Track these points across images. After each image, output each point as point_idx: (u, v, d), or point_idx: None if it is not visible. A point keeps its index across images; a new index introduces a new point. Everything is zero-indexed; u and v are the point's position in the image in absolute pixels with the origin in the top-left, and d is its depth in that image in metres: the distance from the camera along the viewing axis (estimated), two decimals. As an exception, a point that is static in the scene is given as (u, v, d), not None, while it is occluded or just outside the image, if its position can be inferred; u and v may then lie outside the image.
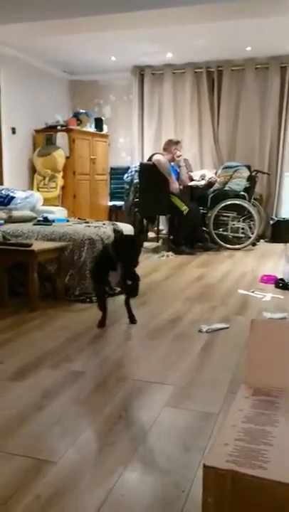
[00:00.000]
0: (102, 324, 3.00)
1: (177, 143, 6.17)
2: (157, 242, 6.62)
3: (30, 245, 3.45)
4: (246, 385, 1.40)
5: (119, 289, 3.85)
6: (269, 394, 1.31)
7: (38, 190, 6.41)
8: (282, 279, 4.14)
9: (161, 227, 6.69)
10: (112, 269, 2.89)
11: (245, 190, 6.33)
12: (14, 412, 1.92)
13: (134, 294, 2.94)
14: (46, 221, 4.34)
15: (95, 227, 4.12)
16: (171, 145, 6.15)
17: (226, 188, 6.37)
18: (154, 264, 5.19)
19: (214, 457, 1.04)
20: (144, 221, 6.55)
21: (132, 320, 3.08)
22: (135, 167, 6.67)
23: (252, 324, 1.44)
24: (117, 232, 2.95)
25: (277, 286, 4.11)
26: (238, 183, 6.34)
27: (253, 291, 3.96)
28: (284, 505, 0.93)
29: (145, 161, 6.49)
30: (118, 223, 4.52)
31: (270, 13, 4.59)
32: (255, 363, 1.40)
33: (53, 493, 1.43)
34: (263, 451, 1.04)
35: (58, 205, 6.28)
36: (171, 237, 6.24)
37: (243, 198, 6.24)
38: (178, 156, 6.16)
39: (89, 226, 4.18)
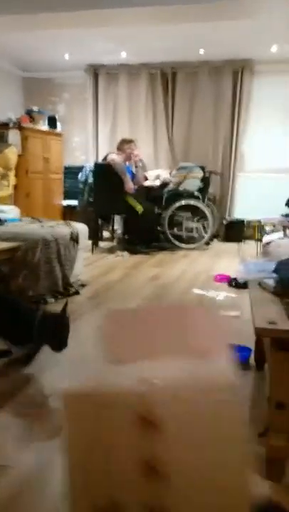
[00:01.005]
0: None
1: (130, 142, 6.17)
2: (112, 241, 6.60)
3: (-19, 245, 3.35)
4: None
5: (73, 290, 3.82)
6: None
7: (-10, 189, 6.24)
8: (235, 279, 4.22)
9: (116, 227, 6.68)
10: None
11: (199, 190, 6.41)
12: None
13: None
14: (-2, 220, 4.23)
15: (49, 226, 4.06)
16: (124, 144, 6.15)
17: (181, 189, 6.43)
18: (110, 264, 5.17)
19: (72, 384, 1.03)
20: (99, 221, 6.51)
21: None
22: (90, 166, 6.63)
23: (105, 314, 1.43)
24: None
25: (230, 285, 4.19)
26: (192, 184, 6.42)
27: (207, 291, 4.01)
28: None
29: (100, 160, 6.45)
30: (72, 222, 4.47)
31: (223, 16, 4.67)
32: (109, 345, 1.39)
33: (9, 497, 1.39)
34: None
35: (10, 204, 6.13)
36: (126, 236, 6.24)
37: (197, 198, 6.32)
38: (135, 156, 6.16)
39: (43, 226, 4.10)
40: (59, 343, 2.22)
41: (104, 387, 0.99)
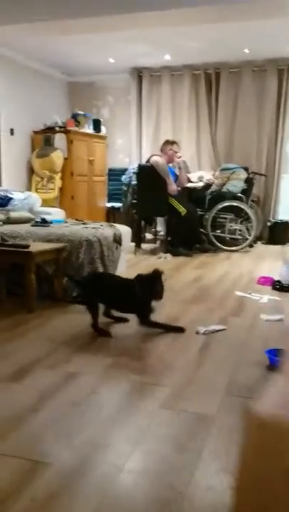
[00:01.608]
0: (95, 327, 2.95)
1: (173, 143, 6.18)
2: (155, 243, 6.62)
3: (27, 246, 3.45)
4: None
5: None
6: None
7: (36, 192, 6.41)
8: (278, 281, 4.15)
9: (158, 229, 6.70)
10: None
11: (243, 191, 6.34)
12: (10, 414, 1.92)
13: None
14: (44, 222, 4.34)
15: (93, 228, 4.12)
16: (167, 145, 6.17)
17: (224, 190, 6.37)
18: (152, 266, 5.17)
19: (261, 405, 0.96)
20: (142, 222, 6.55)
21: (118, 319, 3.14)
22: (133, 168, 6.68)
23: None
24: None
25: (274, 288, 4.12)
26: (236, 185, 6.35)
27: (250, 293, 3.96)
28: None
29: (143, 162, 6.49)
30: (115, 224, 4.52)
31: (267, 15, 4.60)
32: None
33: (48, 495, 1.43)
34: None
35: (55, 207, 6.28)
36: (169, 238, 6.24)
37: (241, 199, 6.25)
38: (178, 158, 6.15)
39: (86, 227, 4.18)
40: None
41: None
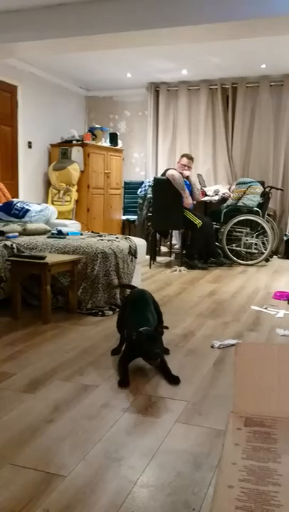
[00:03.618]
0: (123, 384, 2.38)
1: (182, 156, 6.23)
2: (170, 256, 6.62)
3: (43, 258, 3.47)
4: (236, 414, 1.33)
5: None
6: (262, 424, 1.25)
7: (53, 204, 6.48)
8: (295, 296, 4.11)
9: (174, 242, 6.70)
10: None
11: (259, 205, 6.32)
12: (25, 425, 1.92)
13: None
14: (60, 234, 4.37)
15: (108, 240, 4.14)
16: (180, 158, 6.24)
17: (240, 204, 6.37)
18: (167, 279, 5.18)
19: (222, 504, 0.95)
20: (157, 235, 6.57)
21: (172, 381, 2.43)
22: (149, 182, 6.72)
23: (237, 348, 1.37)
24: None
25: (290, 302, 4.08)
26: (252, 199, 6.34)
27: (265, 308, 3.93)
28: None
29: (159, 175, 6.53)
30: (131, 237, 4.54)
31: (284, 31, 4.62)
32: (244, 390, 1.34)
33: (62, 508, 1.42)
34: (273, 493, 0.98)
35: (71, 219, 6.33)
36: (184, 251, 6.24)
37: (257, 213, 6.23)
38: (186, 174, 6.10)
39: (102, 239, 4.20)
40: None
41: None
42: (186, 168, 6.18)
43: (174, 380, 2.40)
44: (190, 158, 6.28)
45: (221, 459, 1.13)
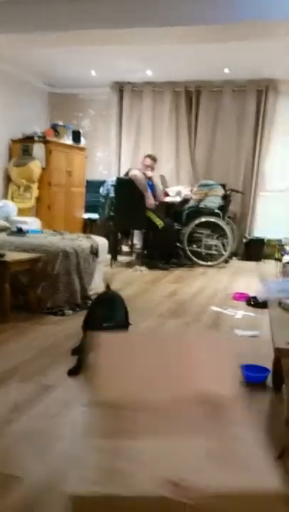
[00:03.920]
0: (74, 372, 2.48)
1: (147, 156, 6.29)
2: (131, 256, 6.62)
3: (2, 255, 3.40)
4: (93, 398, 1.37)
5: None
6: (117, 406, 1.28)
7: (13, 201, 6.35)
8: (254, 297, 4.19)
9: (135, 242, 6.71)
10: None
11: (220, 208, 6.42)
12: (-18, 426, 1.87)
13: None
14: (20, 232, 4.29)
15: (70, 239, 4.10)
16: (144, 158, 6.29)
17: (201, 206, 6.44)
18: (128, 279, 5.18)
19: (77, 483, 0.96)
20: (119, 235, 6.55)
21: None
22: (112, 181, 6.69)
23: (100, 340, 1.41)
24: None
25: (249, 303, 4.16)
26: (213, 201, 6.43)
27: (225, 308, 3.99)
28: None
29: (122, 175, 6.52)
30: (92, 236, 4.51)
31: (247, 37, 4.71)
32: (101, 376, 1.37)
33: (19, 510, 1.40)
34: (125, 470, 0.98)
35: (32, 216, 6.23)
36: (146, 251, 6.25)
37: (218, 215, 6.32)
38: (148, 175, 6.14)
39: (63, 238, 4.15)
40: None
41: (116, 491, 0.89)
42: (149, 168, 6.20)
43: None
44: (153, 159, 6.31)
45: (80, 439, 1.14)
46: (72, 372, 2.45)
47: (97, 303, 2.83)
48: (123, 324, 2.69)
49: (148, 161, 6.22)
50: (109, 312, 2.67)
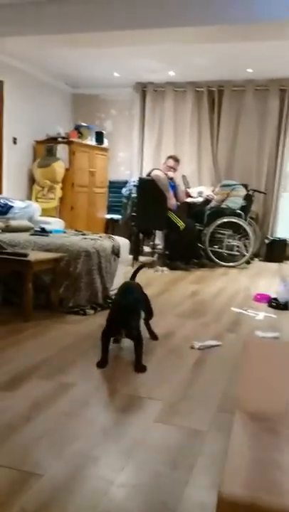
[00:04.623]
0: (102, 364, 2.59)
1: (169, 158, 6.30)
2: (152, 256, 6.64)
3: (26, 255, 3.46)
4: (242, 410, 1.36)
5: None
6: (268, 419, 1.28)
7: (37, 201, 6.44)
8: (275, 299, 4.16)
9: (156, 242, 6.72)
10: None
11: (242, 208, 6.38)
12: (3, 423, 1.91)
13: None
14: (43, 232, 4.35)
15: (92, 239, 4.14)
16: (166, 159, 6.30)
17: (223, 206, 6.42)
18: (149, 279, 5.19)
19: (229, 485, 0.99)
20: (140, 235, 6.57)
21: (138, 369, 2.56)
22: (134, 181, 6.72)
23: (245, 345, 1.41)
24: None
25: (270, 305, 4.13)
26: (235, 201, 6.39)
27: (246, 310, 3.97)
28: None
29: (144, 175, 6.54)
30: (114, 236, 4.54)
31: (271, 37, 4.67)
32: (249, 387, 1.36)
33: (38, 506, 1.43)
34: (279, 483, 1.00)
35: (55, 216, 6.30)
36: (167, 252, 6.26)
37: (240, 216, 6.29)
38: (170, 175, 6.15)
39: (85, 238, 4.19)
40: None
41: (267, 499, 0.92)
42: (172, 169, 6.21)
43: (140, 369, 2.54)
44: (176, 160, 6.31)
45: (228, 452, 1.15)
46: (101, 365, 2.57)
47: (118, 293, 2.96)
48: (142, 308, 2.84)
49: (171, 162, 6.23)
50: (126, 296, 2.77)
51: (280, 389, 1.34)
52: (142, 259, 6.39)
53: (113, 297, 3.35)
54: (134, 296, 2.78)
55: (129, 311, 2.60)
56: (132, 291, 2.85)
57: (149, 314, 3.07)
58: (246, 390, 1.37)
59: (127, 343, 2.84)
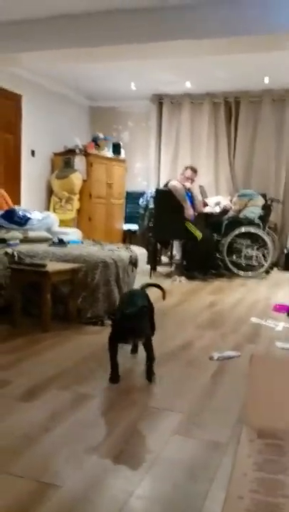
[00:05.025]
0: (114, 380, 2.51)
1: (186, 168, 6.30)
2: (170, 267, 6.62)
3: (44, 266, 3.48)
4: (248, 425, 1.33)
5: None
6: (274, 436, 1.25)
7: (55, 212, 6.49)
8: (295, 309, 4.10)
9: (174, 252, 6.71)
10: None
11: (260, 218, 6.34)
12: (21, 433, 1.91)
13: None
14: (61, 242, 4.38)
15: (109, 250, 4.15)
16: (183, 169, 6.30)
17: (241, 216, 6.38)
18: (167, 289, 5.16)
19: (234, 510, 0.98)
20: (158, 246, 6.57)
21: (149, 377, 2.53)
22: (151, 192, 6.74)
23: (252, 360, 1.38)
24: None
25: (290, 315, 4.08)
26: (253, 211, 6.35)
27: (265, 320, 3.92)
28: None
29: (161, 186, 6.55)
30: (132, 247, 4.54)
31: (287, 46, 4.66)
32: (257, 402, 1.34)
33: (57, 517, 1.42)
34: (281, 505, 0.98)
35: (73, 227, 6.34)
36: (184, 262, 6.24)
37: (258, 226, 6.24)
38: (188, 186, 6.16)
39: (103, 249, 4.21)
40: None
41: None
42: (190, 180, 6.21)
43: (150, 377, 2.48)
44: (194, 171, 6.32)
45: (232, 470, 1.13)
46: (114, 380, 2.49)
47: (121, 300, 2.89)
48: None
49: (189, 173, 6.23)
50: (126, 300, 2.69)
51: (287, 405, 1.30)
52: (159, 269, 6.39)
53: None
54: (141, 302, 2.62)
55: (137, 316, 2.44)
56: (138, 298, 2.71)
57: (152, 329, 2.76)
58: (254, 406, 1.34)
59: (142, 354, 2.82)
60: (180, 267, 6.27)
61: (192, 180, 6.27)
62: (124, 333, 2.47)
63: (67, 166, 6.81)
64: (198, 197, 6.49)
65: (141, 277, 4.56)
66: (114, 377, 2.49)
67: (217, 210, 6.63)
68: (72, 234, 5.43)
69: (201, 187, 6.95)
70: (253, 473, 1.10)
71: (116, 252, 4.08)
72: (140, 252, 4.44)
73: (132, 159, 7.91)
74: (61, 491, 1.54)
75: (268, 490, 1.03)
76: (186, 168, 6.35)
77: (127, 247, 4.47)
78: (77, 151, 6.87)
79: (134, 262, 4.20)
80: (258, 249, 6.29)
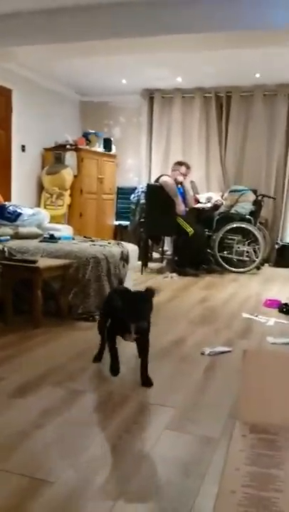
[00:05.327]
0: (114, 371, 2.48)
1: (178, 164, 6.30)
2: (162, 262, 6.63)
3: (35, 262, 3.46)
4: (241, 421, 1.34)
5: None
6: (267, 431, 1.26)
7: (45, 208, 6.45)
8: (286, 304, 4.12)
9: (165, 248, 6.71)
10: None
11: (251, 213, 6.35)
12: (13, 430, 1.90)
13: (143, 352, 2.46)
14: (52, 238, 4.36)
15: (100, 245, 4.14)
16: (174, 166, 6.29)
17: (232, 211, 6.40)
18: (158, 285, 5.18)
19: (223, 508, 0.99)
20: (149, 241, 6.57)
21: (145, 382, 2.42)
22: (142, 188, 6.73)
23: (245, 355, 1.39)
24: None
25: (280, 310, 4.10)
26: (244, 207, 6.37)
27: (256, 315, 3.94)
28: None
29: (152, 182, 6.54)
30: (123, 242, 4.53)
31: (279, 42, 4.67)
32: (249, 397, 1.35)
33: (50, 514, 1.41)
34: (274, 499, 0.99)
35: (64, 223, 6.31)
36: (176, 258, 6.24)
37: (249, 221, 6.26)
38: (179, 180, 6.16)
39: (94, 245, 4.20)
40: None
41: None
42: (184, 176, 6.20)
43: (147, 382, 2.40)
44: (188, 167, 6.31)
45: (224, 465, 1.14)
46: (96, 359, 2.63)
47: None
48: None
49: (183, 169, 6.21)
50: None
51: (281, 400, 1.31)
52: (151, 265, 6.39)
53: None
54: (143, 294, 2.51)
55: (141, 300, 2.34)
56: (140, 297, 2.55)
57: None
58: (246, 401, 1.34)
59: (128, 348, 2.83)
60: (171, 263, 6.28)
61: (186, 176, 6.27)
62: (128, 317, 2.32)
63: (58, 161, 6.76)
64: (190, 192, 6.49)
65: (132, 274, 4.56)
66: (115, 369, 2.46)
67: (208, 205, 6.64)
68: (63, 230, 5.41)
69: (192, 182, 6.95)
70: (246, 467, 1.11)
71: (107, 247, 4.07)
72: (131, 248, 4.43)
73: (123, 154, 7.88)
74: (54, 487, 1.54)
75: (261, 484, 1.04)
76: (181, 164, 6.31)
77: (118, 243, 4.46)
78: (68, 146, 6.83)
79: (125, 258, 4.19)
80: (249, 244, 6.31)
